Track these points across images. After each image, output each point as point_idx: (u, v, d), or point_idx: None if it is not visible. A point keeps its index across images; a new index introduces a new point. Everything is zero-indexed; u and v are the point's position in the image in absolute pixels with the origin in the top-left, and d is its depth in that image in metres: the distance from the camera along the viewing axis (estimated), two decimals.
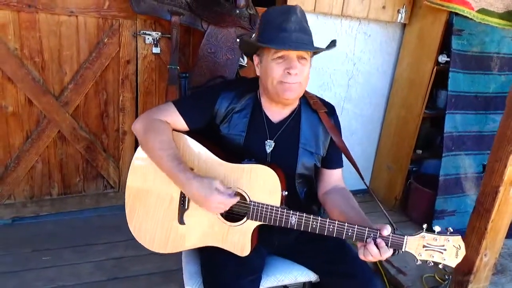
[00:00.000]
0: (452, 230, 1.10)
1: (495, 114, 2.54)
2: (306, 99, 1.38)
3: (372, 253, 1.08)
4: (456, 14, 2.31)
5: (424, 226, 1.12)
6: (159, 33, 2.12)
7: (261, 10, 2.12)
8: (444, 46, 2.43)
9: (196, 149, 1.24)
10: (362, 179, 1.45)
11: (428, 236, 1.10)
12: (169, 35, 2.01)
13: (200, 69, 1.94)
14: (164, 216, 1.25)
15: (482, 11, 2.32)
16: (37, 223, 2.22)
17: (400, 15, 2.53)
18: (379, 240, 1.09)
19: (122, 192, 2.42)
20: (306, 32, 1.22)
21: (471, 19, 2.31)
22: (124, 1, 2.02)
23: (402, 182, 2.74)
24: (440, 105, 2.67)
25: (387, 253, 1.09)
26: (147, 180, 1.26)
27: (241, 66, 2.11)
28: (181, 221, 1.24)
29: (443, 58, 2.44)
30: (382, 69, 2.76)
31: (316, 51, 1.26)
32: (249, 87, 1.35)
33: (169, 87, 1.99)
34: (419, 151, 2.75)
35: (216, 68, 1.97)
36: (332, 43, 1.28)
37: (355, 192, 2.85)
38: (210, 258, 1.26)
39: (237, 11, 2.02)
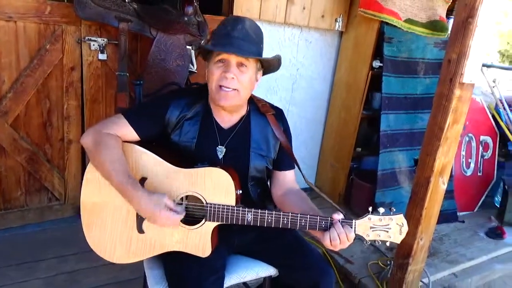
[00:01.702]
0: (394, 210, 1.21)
1: (422, 113, 2.82)
2: (255, 104, 1.45)
3: (340, 235, 1.16)
4: (387, 23, 2.54)
5: (370, 208, 1.21)
6: (105, 40, 2.08)
7: (208, 17, 2.17)
8: (377, 52, 2.65)
9: (149, 158, 1.25)
10: (303, 176, 1.55)
11: (374, 217, 1.20)
12: (116, 41, 1.99)
13: (150, 76, 1.94)
14: (123, 227, 1.25)
15: (408, 21, 2.58)
16: None
17: (337, 23, 2.73)
18: (342, 223, 1.18)
19: (69, 204, 2.34)
20: (251, 41, 1.27)
21: (399, 28, 2.56)
22: (67, 7, 1.96)
23: (345, 178, 2.94)
24: (375, 106, 2.90)
25: (351, 233, 1.18)
26: (102, 193, 1.25)
27: (191, 72, 2.13)
28: (140, 230, 1.25)
29: (376, 63, 2.66)
30: (323, 74, 2.94)
31: (265, 64, 1.34)
32: (199, 94, 1.39)
33: (118, 95, 1.96)
34: (359, 149, 2.97)
35: (167, 74, 1.98)
36: (276, 57, 1.34)
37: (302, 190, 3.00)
38: (173, 261, 1.29)
39: (185, 18, 2.05)
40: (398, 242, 1.22)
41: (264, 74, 1.41)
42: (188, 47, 2.07)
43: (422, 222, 1.84)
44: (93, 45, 2.07)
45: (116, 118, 1.30)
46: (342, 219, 1.20)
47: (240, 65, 1.26)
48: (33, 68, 1.98)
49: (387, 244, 1.23)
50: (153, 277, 1.32)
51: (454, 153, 1.82)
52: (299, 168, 1.52)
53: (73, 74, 2.10)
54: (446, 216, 2.85)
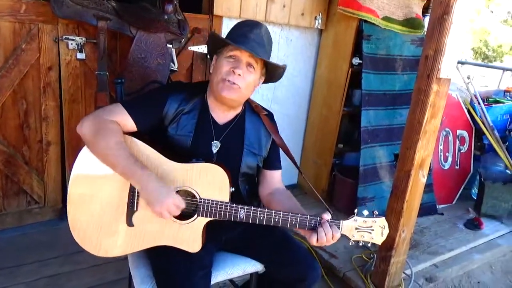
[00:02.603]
0: (377, 213, 1.28)
1: (401, 109, 2.88)
2: (250, 104, 1.49)
3: (327, 235, 1.21)
4: (365, 21, 2.59)
5: (355, 210, 1.27)
6: (84, 38, 2.05)
7: (188, 16, 2.16)
8: (357, 50, 2.70)
9: (144, 150, 1.25)
10: (301, 173, 1.57)
11: (359, 219, 1.26)
12: (95, 40, 1.96)
13: (131, 75, 1.92)
14: (111, 219, 1.24)
15: (385, 18, 2.64)
16: None
17: (317, 21, 2.76)
18: (330, 224, 1.23)
19: (49, 207, 2.29)
20: (263, 47, 1.34)
21: (377, 25, 2.61)
22: (43, 5, 1.92)
23: (327, 174, 2.97)
24: (356, 102, 2.94)
25: (338, 233, 1.23)
26: (91, 185, 1.24)
27: (172, 71, 2.12)
28: (129, 223, 1.24)
29: (356, 61, 2.70)
30: (303, 72, 2.97)
31: (270, 71, 1.40)
32: (197, 89, 1.41)
33: (98, 94, 1.94)
34: (341, 145, 3.01)
35: (147, 73, 1.96)
36: (283, 66, 1.39)
37: (285, 187, 3.02)
38: (160, 259, 1.28)
39: (166, 17, 2.03)
40: (380, 243, 1.29)
41: (264, 82, 1.46)
42: (168, 45, 2.06)
43: (403, 215, 1.88)
44: (71, 44, 2.03)
45: (115, 107, 1.28)
46: (330, 219, 1.24)
47: (249, 65, 1.31)
48: (9, 68, 1.93)
49: (369, 245, 1.29)
50: (139, 277, 1.31)
51: (433, 146, 1.88)
52: (297, 167, 1.56)
53: (51, 74, 2.05)
54: (426, 209, 2.93)
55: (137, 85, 1.87)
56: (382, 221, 1.27)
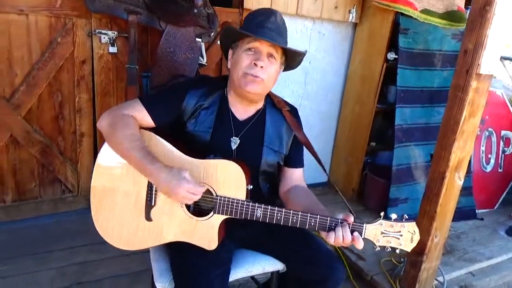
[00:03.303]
0: (407, 217, 1.18)
1: (439, 107, 2.73)
2: (271, 99, 1.44)
3: (345, 239, 1.13)
4: (402, 14, 2.46)
5: (382, 213, 1.19)
6: (116, 33, 2.09)
7: (218, 9, 2.15)
8: (392, 44, 2.58)
9: (162, 146, 1.25)
10: (325, 170, 1.52)
11: (385, 223, 1.17)
12: (126, 34, 1.99)
13: (159, 69, 1.93)
14: (131, 214, 1.25)
15: (424, 11, 2.50)
16: None
17: (351, 15, 2.66)
18: (352, 227, 1.16)
19: (82, 196, 2.36)
20: (281, 34, 1.30)
21: (415, 18, 2.48)
22: (78, 0, 1.97)
23: (358, 173, 2.88)
24: (391, 99, 2.83)
25: (359, 237, 1.15)
26: (112, 179, 1.25)
27: (201, 65, 2.12)
28: (148, 218, 1.24)
29: (391, 55, 2.59)
30: (336, 67, 2.88)
31: (289, 59, 1.35)
32: (216, 85, 1.38)
33: (128, 88, 1.97)
34: (373, 144, 2.90)
35: (176, 67, 1.97)
36: (303, 51, 1.35)
37: (315, 185, 2.97)
38: (179, 254, 1.28)
39: (195, 11, 2.03)
40: (409, 250, 1.18)
41: (284, 70, 1.41)
42: (197, 39, 2.05)
43: (436, 219, 1.78)
44: (104, 38, 2.08)
45: (133, 103, 1.29)
46: (353, 222, 1.17)
47: (270, 55, 1.27)
48: (45, 61, 2.00)
49: (397, 251, 1.19)
50: (158, 270, 1.32)
51: (471, 147, 1.76)
52: (319, 162, 1.49)
53: (84, 67, 2.11)
54: (463, 213, 2.77)
55: (165, 79, 1.88)
56: (412, 226, 1.16)
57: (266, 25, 1.26)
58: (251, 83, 1.27)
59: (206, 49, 2.21)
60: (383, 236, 1.17)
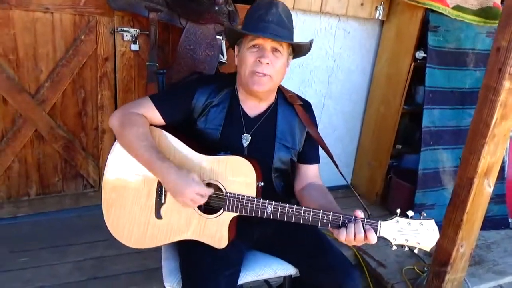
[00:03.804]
0: (425, 215, 1.13)
1: (471, 109, 2.58)
2: (283, 94, 1.40)
3: (357, 236, 1.09)
4: (432, 10, 2.35)
5: (398, 210, 1.13)
6: (138, 30, 2.10)
7: (240, 7, 2.12)
8: (421, 43, 2.47)
9: (172, 143, 1.24)
10: (339, 171, 1.46)
11: (402, 220, 1.12)
12: (148, 32, 1.99)
13: (179, 66, 1.93)
14: (141, 211, 1.25)
15: (457, 8, 2.37)
16: (15, 224, 2.16)
17: (378, 12, 2.57)
18: (366, 224, 1.11)
19: None
20: (284, 26, 1.25)
21: (446, 15, 2.36)
22: None
23: (383, 177, 2.78)
24: (418, 100, 2.71)
25: (372, 233, 1.10)
26: (123, 176, 1.25)
27: (221, 63, 2.10)
28: (158, 216, 1.24)
29: (420, 54, 2.48)
30: (361, 66, 2.79)
31: (296, 49, 1.30)
32: (227, 81, 1.36)
33: (148, 85, 1.97)
34: (399, 146, 2.80)
35: (195, 64, 1.96)
36: (309, 42, 1.30)
37: (336, 188, 2.90)
38: (189, 254, 1.26)
39: (216, 8, 2.00)
40: (428, 249, 1.13)
41: (293, 58, 1.37)
42: (218, 37, 2.03)
43: (462, 227, 1.68)
44: (126, 35, 2.09)
45: (143, 101, 1.29)
46: (367, 219, 1.12)
47: (274, 50, 1.23)
48: (69, 59, 2.04)
49: (415, 251, 1.14)
50: (167, 269, 1.31)
51: (502, 152, 1.65)
52: (333, 161, 1.43)
53: (107, 65, 2.14)
54: (495, 222, 2.62)
55: (183, 76, 1.87)
56: (430, 224, 1.11)
57: (266, 18, 1.22)
58: (258, 82, 1.24)
59: (227, 47, 2.18)
60: (400, 234, 1.12)
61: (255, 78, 1.23)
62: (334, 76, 2.74)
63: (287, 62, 1.30)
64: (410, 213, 1.13)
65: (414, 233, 1.11)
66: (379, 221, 1.12)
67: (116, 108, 2.24)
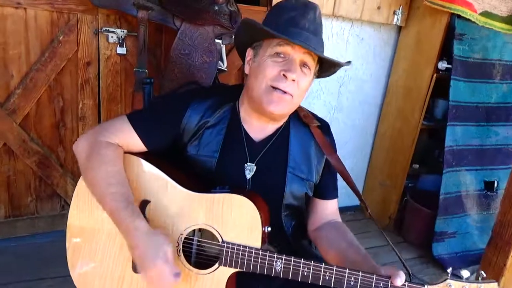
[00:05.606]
0: (484, 275, 0.89)
1: (497, 126, 2.34)
2: (296, 112, 1.14)
3: None
4: (458, 16, 2.10)
5: (449, 270, 0.89)
6: (125, 31, 1.85)
7: (243, 7, 1.87)
8: (444, 52, 2.22)
9: (154, 176, 0.98)
10: (361, 199, 1.19)
11: (455, 284, 0.87)
12: (137, 33, 1.74)
13: (172, 74, 1.69)
14: (115, 263, 0.99)
15: (485, 14, 2.14)
16: None
17: (396, 16, 2.32)
18: None
19: None
20: (320, 37, 1.02)
21: (473, 22, 2.12)
22: None
23: (397, 199, 2.52)
24: (438, 115, 2.47)
25: None
26: (93, 217, 0.99)
27: (220, 71, 1.85)
28: (135, 269, 0.97)
29: (443, 65, 2.23)
30: (375, 76, 2.55)
31: (325, 68, 1.06)
32: (226, 96, 1.10)
33: (135, 94, 1.73)
34: (416, 166, 2.53)
35: (191, 72, 1.71)
36: (347, 63, 1.04)
37: (344, 209, 2.63)
38: None
39: (216, 7, 1.75)
40: None
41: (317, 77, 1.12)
42: (217, 41, 1.78)
43: (505, 273, 1.42)
44: (112, 37, 1.84)
45: (120, 122, 1.03)
46: (408, 282, 0.86)
47: (303, 65, 1.00)
48: (45, 62, 1.78)
49: None
50: None
51: None
52: (354, 190, 1.17)
53: (89, 70, 1.88)
54: None
55: (176, 86, 1.61)
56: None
57: (301, 23, 0.96)
58: (277, 102, 0.98)
59: (227, 53, 1.93)
60: None
61: (274, 95, 0.97)
62: (344, 87, 2.49)
63: (311, 82, 1.05)
64: (465, 273, 0.88)
65: None
66: (426, 286, 0.87)
67: (99, 119, 1.98)
